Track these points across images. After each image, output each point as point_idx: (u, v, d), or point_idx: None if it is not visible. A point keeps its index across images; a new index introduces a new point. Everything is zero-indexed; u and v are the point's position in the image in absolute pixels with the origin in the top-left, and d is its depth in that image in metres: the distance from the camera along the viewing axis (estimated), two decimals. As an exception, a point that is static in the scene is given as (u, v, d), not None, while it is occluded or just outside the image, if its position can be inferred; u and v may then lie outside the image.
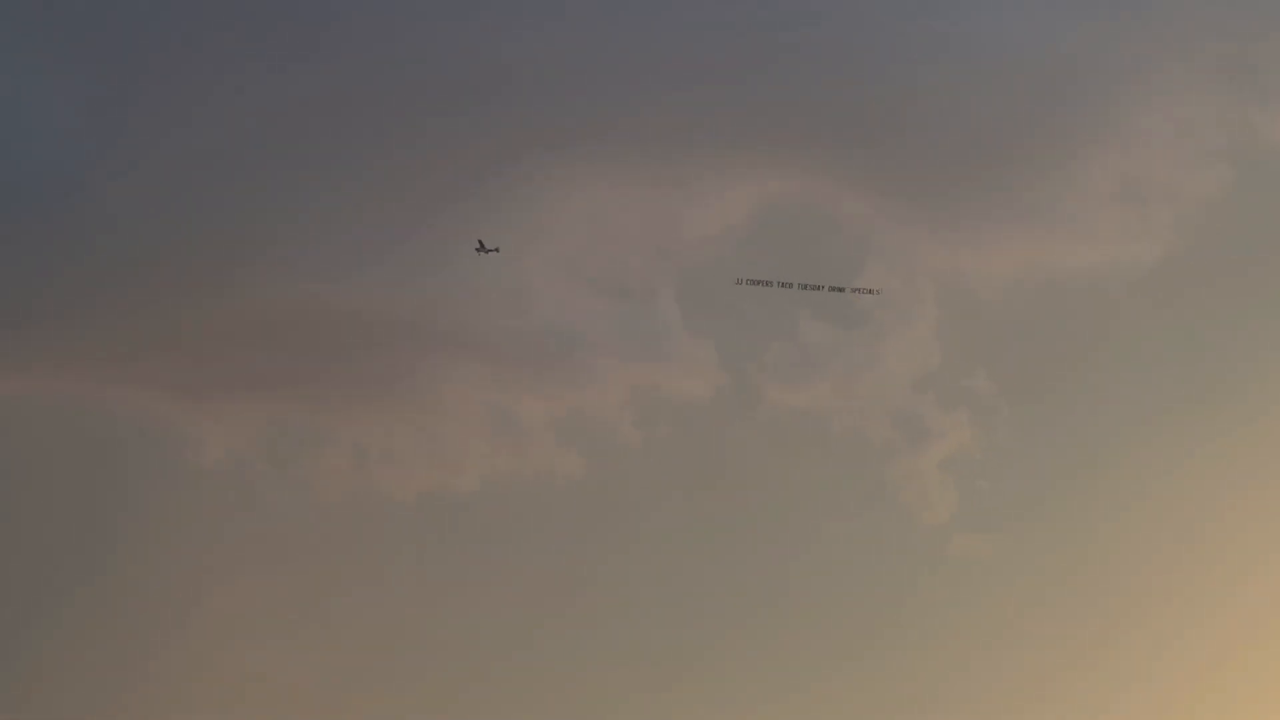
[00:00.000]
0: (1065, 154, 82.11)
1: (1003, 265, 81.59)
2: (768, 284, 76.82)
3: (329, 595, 74.68)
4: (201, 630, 73.14)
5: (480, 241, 73.48)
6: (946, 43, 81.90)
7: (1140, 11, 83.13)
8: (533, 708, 71.35)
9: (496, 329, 77.69)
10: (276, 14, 75.91)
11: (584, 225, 78.79)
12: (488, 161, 76.66)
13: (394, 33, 76.18)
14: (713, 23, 79.65)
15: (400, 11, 75.58)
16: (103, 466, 75.93)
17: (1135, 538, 78.44)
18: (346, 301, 75.84)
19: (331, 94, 76.10)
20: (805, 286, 76.72)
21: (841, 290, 76.97)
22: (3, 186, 74.86)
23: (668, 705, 71.79)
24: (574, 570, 76.16)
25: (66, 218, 74.40)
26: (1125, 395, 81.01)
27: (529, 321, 78.13)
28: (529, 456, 77.58)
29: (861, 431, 79.47)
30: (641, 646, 73.75)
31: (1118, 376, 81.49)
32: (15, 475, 74.77)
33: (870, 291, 77.56)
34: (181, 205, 75.27)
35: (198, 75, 75.57)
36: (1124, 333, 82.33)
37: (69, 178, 74.92)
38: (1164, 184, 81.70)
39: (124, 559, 74.22)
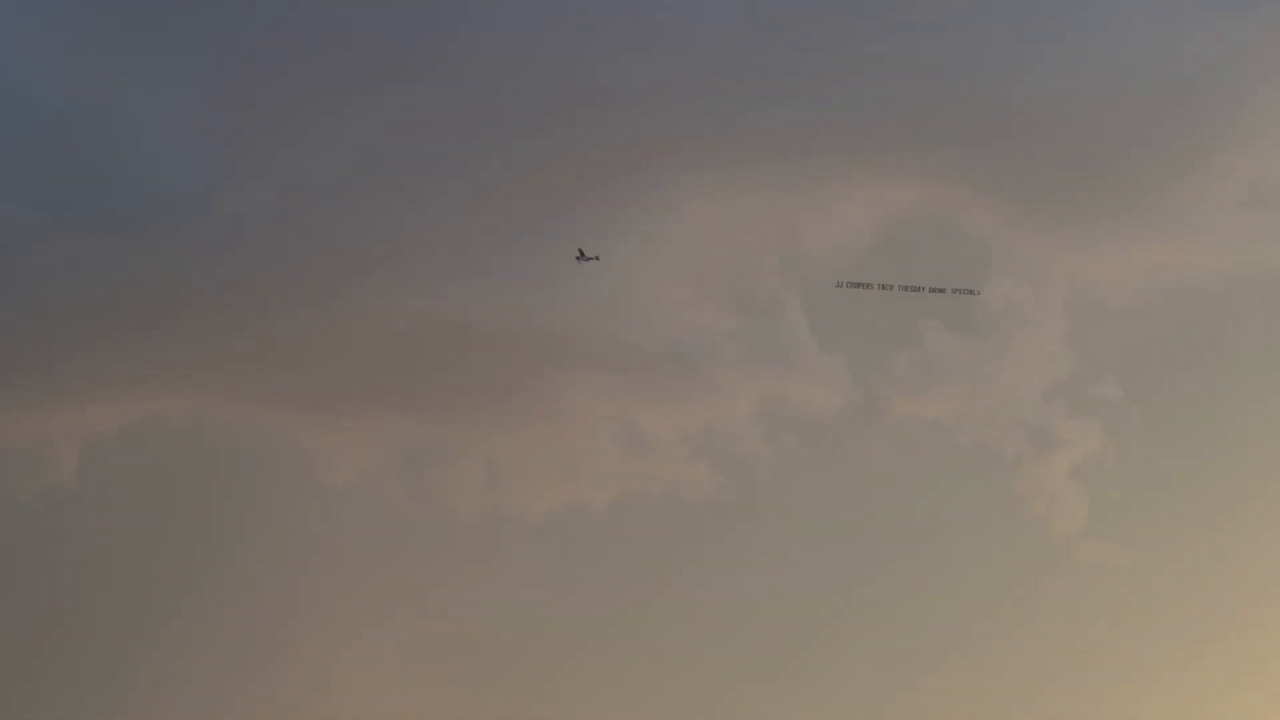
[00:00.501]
0: (1192, 159, 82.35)
1: (1131, 271, 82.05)
2: (868, 286, 77.10)
3: (461, 612, 75.28)
4: (332, 646, 73.96)
5: (580, 250, 73.60)
6: (1072, 49, 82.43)
7: (1265, 15, 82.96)
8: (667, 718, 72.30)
9: (624, 344, 78.46)
10: (392, 37, 76.26)
11: (708, 237, 79.03)
12: (613, 176, 77.76)
13: (515, 50, 76.86)
14: (834, 32, 79.87)
15: (517, 28, 75.91)
16: (235, 486, 76.64)
17: (1269, 543, 78.63)
18: (476, 318, 76.59)
19: (454, 109, 77.06)
20: (904, 288, 76.90)
21: (942, 291, 77.03)
22: (132, 206, 75.56)
23: (798, 714, 72.51)
24: (706, 583, 77.24)
25: (197, 237, 75.56)
26: (1256, 400, 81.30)
27: (656, 335, 78.87)
28: (659, 471, 78.26)
29: (990, 441, 79.97)
30: (773, 656, 75.01)
31: (1248, 381, 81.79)
32: (152, 493, 75.68)
33: (970, 292, 77.74)
34: (308, 222, 76.07)
35: (318, 97, 76.27)
36: (1253, 337, 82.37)
37: (195, 197, 76.11)
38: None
39: (256, 577, 75.28)
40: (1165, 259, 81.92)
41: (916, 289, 77.28)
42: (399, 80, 77.36)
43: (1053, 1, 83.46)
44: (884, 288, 77.32)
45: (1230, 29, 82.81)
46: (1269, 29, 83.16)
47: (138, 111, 76.60)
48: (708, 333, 79.43)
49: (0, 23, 73.82)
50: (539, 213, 76.38)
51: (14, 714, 68.25)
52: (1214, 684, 73.46)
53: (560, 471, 78.23)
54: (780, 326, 79.84)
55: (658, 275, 78.72)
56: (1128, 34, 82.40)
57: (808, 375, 79.30)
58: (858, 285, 77.28)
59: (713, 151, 79.35)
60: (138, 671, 70.69)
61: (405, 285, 76.19)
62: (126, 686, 69.69)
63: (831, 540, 78.56)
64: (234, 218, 75.79)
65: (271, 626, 73.87)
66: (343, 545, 75.89)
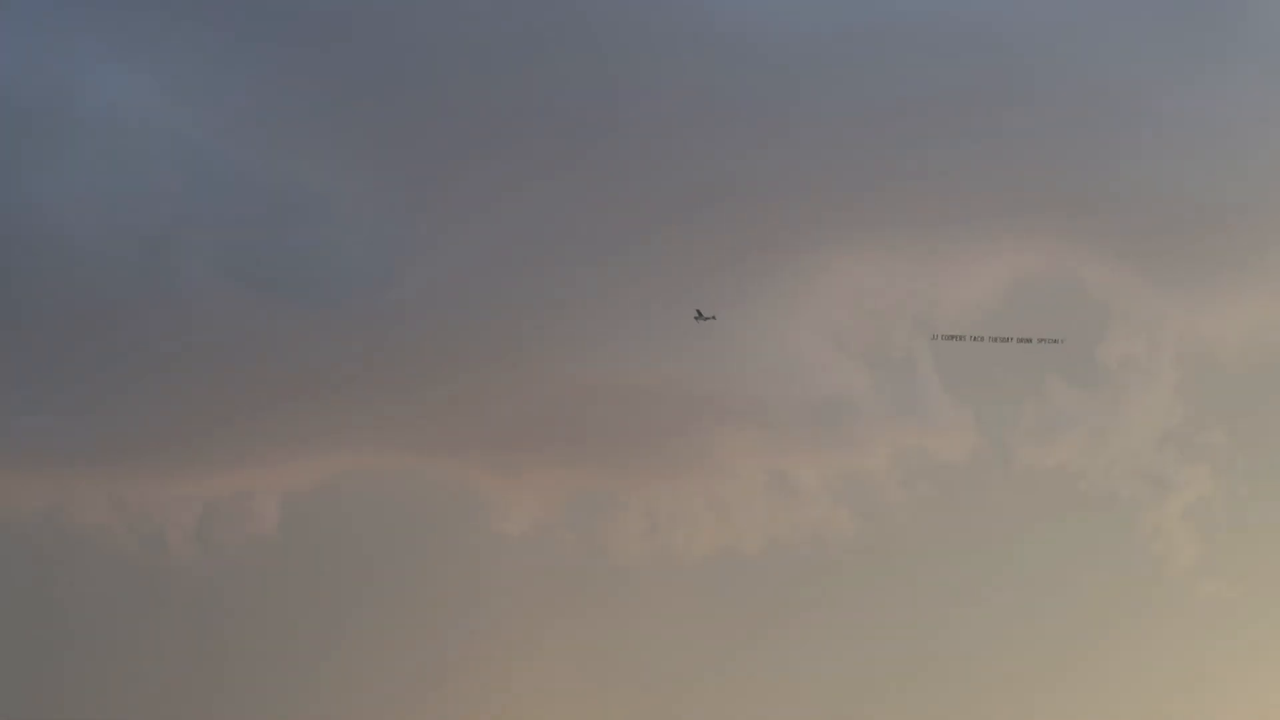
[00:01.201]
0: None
1: (1238, 327, 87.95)
2: (960, 338, 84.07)
3: (626, 648, 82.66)
4: (510, 684, 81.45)
5: (699, 310, 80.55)
6: (1183, 119, 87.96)
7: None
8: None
9: (773, 399, 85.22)
10: (552, 133, 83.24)
11: (847, 301, 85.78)
12: (761, 248, 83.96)
13: (669, 140, 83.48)
14: (964, 113, 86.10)
15: (669, 121, 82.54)
16: (421, 534, 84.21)
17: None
18: (637, 379, 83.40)
19: (611, 194, 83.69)
20: (993, 339, 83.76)
21: (1029, 341, 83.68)
22: (328, 281, 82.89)
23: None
24: (849, 619, 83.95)
25: (384, 309, 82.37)
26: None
27: (803, 391, 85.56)
28: (805, 517, 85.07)
29: (1108, 487, 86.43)
30: (910, 684, 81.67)
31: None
32: (347, 542, 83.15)
33: (1054, 341, 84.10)
34: (481, 295, 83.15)
35: (490, 184, 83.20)
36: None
37: (383, 273, 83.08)
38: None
39: (440, 617, 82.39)
40: (1271, 312, 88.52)
41: (1005, 339, 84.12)
42: (562, 169, 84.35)
43: (1164, 75, 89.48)
44: (975, 339, 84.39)
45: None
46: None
47: (333, 197, 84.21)
48: (847, 389, 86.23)
49: (216, 120, 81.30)
50: (692, 283, 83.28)
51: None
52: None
53: (715, 518, 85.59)
54: (913, 382, 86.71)
55: (802, 337, 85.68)
56: (1236, 100, 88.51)
57: (939, 427, 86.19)
58: (950, 338, 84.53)
59: (850, 225, 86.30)
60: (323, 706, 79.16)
61: (572, 350, 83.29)
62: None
63: (963, 578, 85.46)
64: (417, 291, 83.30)
65: (454, 660, 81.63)
66: (519, 589, 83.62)
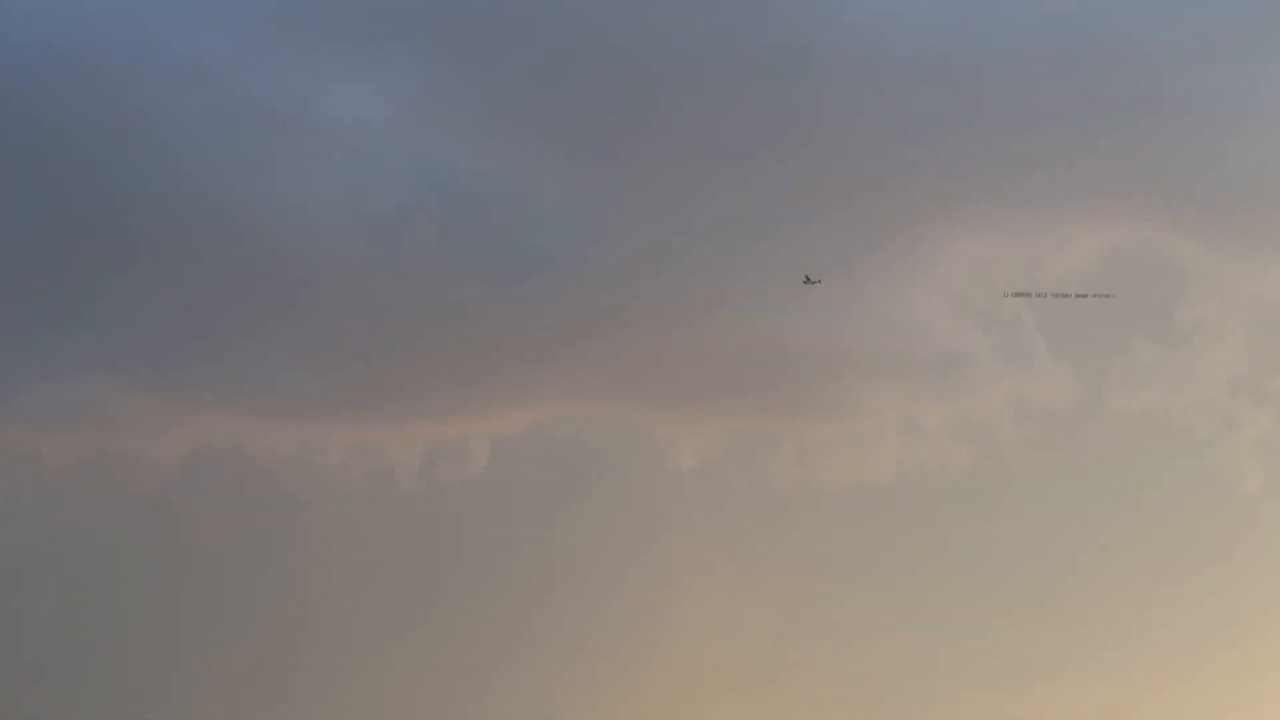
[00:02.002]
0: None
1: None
2: (1028, 295, 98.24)
3: (778, 569, 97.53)
4: (681, 594, 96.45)
5: (806, 275, 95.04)
6: (1246, 115, 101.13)
7: None
8: (941, 672, 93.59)
9: (904, 354, 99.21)
10: (729, 124, 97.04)
11: (969, 273, 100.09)
12: (900, 229, 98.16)
13: (828, 131, 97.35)
14: (1063, 120, 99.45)
15: (825, 115, 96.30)
16: (607, 471, 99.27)
17: None
18: (792, 335, 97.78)
19: (776, 183, 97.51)
20: (1041, 295, 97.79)
21: (1085, 296, 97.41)
22: (529, 258, 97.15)
23: (1040, 645, 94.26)
24: (967, 542, 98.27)
25: (577, 281, 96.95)
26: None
27: (928, 347, 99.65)
28: (930, 453, 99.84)
29: (1187, 426, 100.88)
30: (1022, 592, 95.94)
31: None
32: (547, 479, 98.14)
33: (1107, 296, 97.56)
34: (661, 267, 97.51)
35: (671, 171, 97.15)
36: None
37: (577, 249, 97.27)
38: None
39: (623, 542, 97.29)
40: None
41: (1065, 295, 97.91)
42: (722, 163, 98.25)
43: (1229, 80, 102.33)
44: (1039, 295, 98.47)
45: None
46: None
47: (531, 189, 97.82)
48: (966, 345, 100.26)
49: (434, 125, 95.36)
50: (841, 259, 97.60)
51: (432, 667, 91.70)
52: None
53: (854, 454, 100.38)
54: (1021, 340, 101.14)
55: (929, 303, 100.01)
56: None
57: (1043, 378, 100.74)
58: (1020, 295, 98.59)
59: (970, 210, 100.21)
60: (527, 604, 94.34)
61: (733, 315, 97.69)
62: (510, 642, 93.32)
63: (1063, 505, 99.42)
64: (601, 267, 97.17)
65: (635, 571, 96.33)
66: (689, 515, 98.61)
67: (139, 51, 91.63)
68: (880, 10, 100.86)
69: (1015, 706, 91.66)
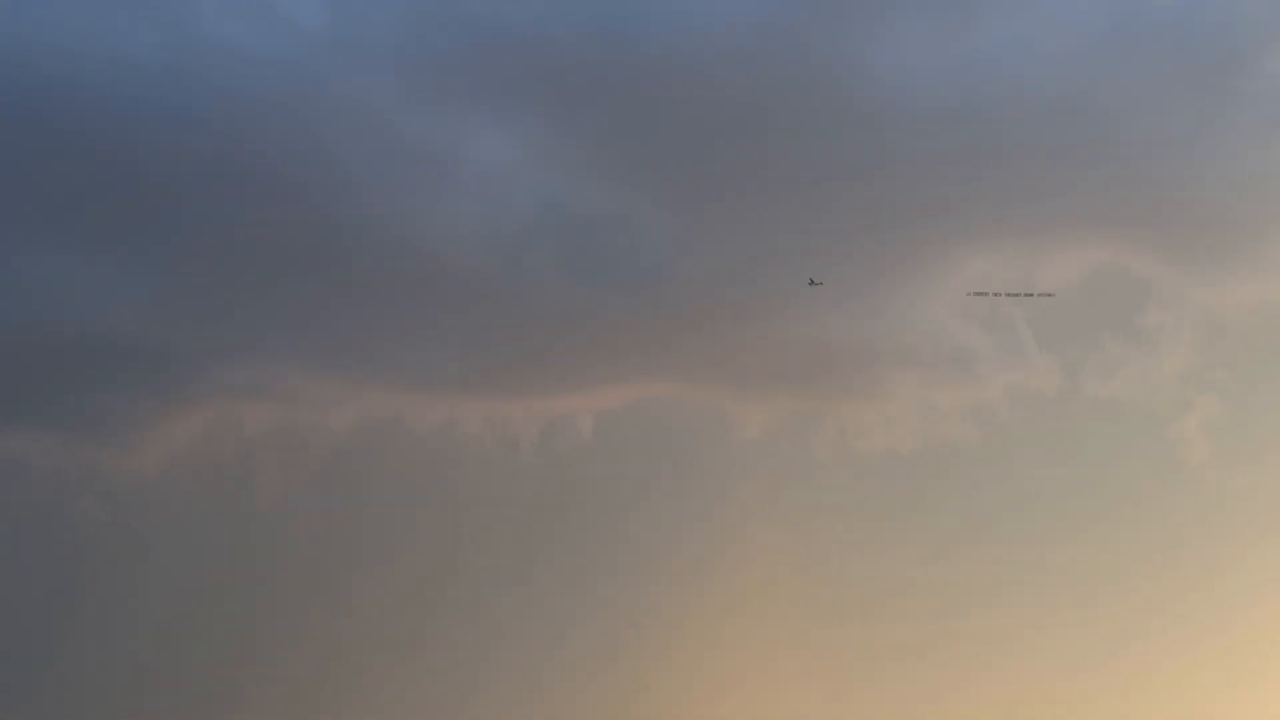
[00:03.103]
0: None
1: (1236, 300, 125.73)
2: (985, 294, 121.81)
3: (823, 520, 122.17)
4: (742, 538, 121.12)
5: (811, 278, 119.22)
6: (1208, 157, 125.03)
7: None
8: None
9: (923, 348, 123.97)
10: (788, 163, 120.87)
11: (974, 283, 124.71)
12: (920, 251, 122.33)
13: (875, 177, 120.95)
14: (1055, 148, 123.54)
15: (878, 164, 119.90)
16: (689, 440, 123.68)
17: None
18: (834, 335, 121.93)
19: (825, 210, 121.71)
20: (1008, 295, 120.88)
21: (1030, 295, 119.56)
22: (623, 270, 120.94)
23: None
24: (972, 504, 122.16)
25: (660, 290, 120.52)
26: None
27: (942, 344, 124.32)
28: (944, 428, 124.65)
29: (1148, 408, 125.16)
30: (1009, 543, 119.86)
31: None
32: (640, 445, 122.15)
33: (1048, 295, 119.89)
34: (731, 278, 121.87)
35: (739, 198, 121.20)
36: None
37: (662, 265, 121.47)
38: None
39: (701, 496, 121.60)
40: (1261, 294, 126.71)
41: (1017, 294, 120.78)
42: (786, 194, 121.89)
43: (1190, 126, 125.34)
44: (995, 295, 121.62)
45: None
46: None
47: (629, 215, 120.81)
48: (972, 342, 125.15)
49: (552, 162, 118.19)
50: (872, 276, 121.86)
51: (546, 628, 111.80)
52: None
53: (883, 428, 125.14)
54: (1016, 340, 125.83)
55: (942, 308, 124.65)
56: (1240, 141, 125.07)
57: (1034, 370, 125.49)
58: (982, 294, 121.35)
59: (976, 232, 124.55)
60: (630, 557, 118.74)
61: (790, 317, 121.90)
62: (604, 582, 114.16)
63: (1051, 473, 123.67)
64: (688, 279, 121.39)
65: (708, 524, 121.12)
66: (752, 474, 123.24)
67: (325, 99, 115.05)
68: (902, 65, 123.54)
69: (1002, 622, 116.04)
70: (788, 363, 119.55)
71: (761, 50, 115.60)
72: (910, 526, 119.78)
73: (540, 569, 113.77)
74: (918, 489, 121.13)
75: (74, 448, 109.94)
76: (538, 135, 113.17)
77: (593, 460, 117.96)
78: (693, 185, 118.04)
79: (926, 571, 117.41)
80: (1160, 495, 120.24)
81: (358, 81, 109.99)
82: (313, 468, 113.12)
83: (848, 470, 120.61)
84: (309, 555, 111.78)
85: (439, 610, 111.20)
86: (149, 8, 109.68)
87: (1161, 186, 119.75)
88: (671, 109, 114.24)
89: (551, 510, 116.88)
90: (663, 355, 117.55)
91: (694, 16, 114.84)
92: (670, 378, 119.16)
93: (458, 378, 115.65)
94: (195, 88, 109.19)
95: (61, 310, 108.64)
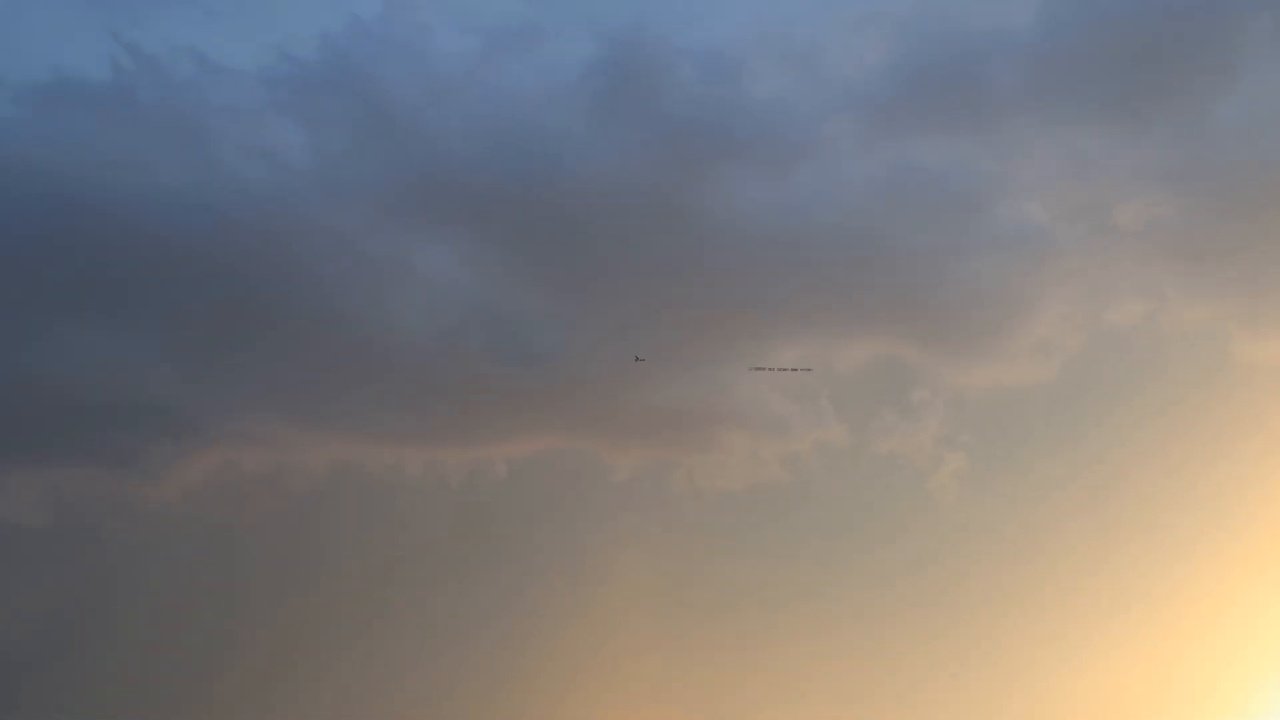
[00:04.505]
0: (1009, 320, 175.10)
1: (980, 378, 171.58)
2: (773, 369, 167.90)
3: (683, 561, 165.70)
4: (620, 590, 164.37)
5: (636, 355, 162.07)
6: (956, 277, 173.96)
7: None
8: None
9: (750, 412, 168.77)
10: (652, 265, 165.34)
11: (787, 363, 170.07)
12: (748, 335, 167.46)
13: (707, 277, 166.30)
14: (844, 266, 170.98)
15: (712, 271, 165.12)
16: (569, 483, 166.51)
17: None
18: (686, 403, 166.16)
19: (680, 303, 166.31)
20: (790, 369, 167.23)
21: (809, 370, 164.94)
22: (535, 354, 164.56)
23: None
24: (788, 533, 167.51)
25: (554, 367, 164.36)
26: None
27: (764, 410, 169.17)
28: (767, 473, 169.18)
29: (913, 461, 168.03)
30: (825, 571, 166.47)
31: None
32: (540, 493, 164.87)
33: (807, 370, 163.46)
34: (606, 354, 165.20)
35: (609, 293, 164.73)
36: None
37: (562, 346, 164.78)
38: None
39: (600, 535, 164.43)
40: (998, 375, 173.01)
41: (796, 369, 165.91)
42: (651, 290, 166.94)
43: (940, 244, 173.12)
44: (782, 370, 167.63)
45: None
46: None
47: (533, 309, 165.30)
48: (784, 412, 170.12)
49: (481, 269, 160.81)
50: (721, 358, 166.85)
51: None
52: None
53: (720, 472, 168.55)
54: (818, 409, 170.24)
55: (763, 382, 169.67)
56: (980, 266, 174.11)
57: (832, 430, 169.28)
58: (761, 369, 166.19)
59: (786, 325, 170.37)
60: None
61: (654, 384, 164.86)
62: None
63: (844, 508, 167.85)
64: (571, 357, 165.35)
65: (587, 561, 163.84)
66: (627, 509, 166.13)
67: (309, 223, 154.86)
68: (734, 201, 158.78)
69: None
70: (649, 422, 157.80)
71: (631, 189, 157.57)
72: (739, 549, 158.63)
73: (465, 577, 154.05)
74: (745, 519, 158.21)
75: (113, 480, 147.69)
76: (470, 250, 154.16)
77: (507, 495, 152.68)
78: (580, 287, 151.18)
79: (753, 585, 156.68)
80: (921, 527, 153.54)
81: (333, 209, 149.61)
82: (297, 497, 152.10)
83: (696, 504, 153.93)
84: (290, 563, 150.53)
85: (386, 604, 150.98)
86: (179, 148, 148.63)
87: (923, 296, 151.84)
88: (566, 230, 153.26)
89: (476, 532, 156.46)
90: (557, 416, 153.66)
91: (583, 165, 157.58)
92: (562, 433, 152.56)
93: (405, 431, 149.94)
94: (211, 211, 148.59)
95: (104, 372, 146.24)
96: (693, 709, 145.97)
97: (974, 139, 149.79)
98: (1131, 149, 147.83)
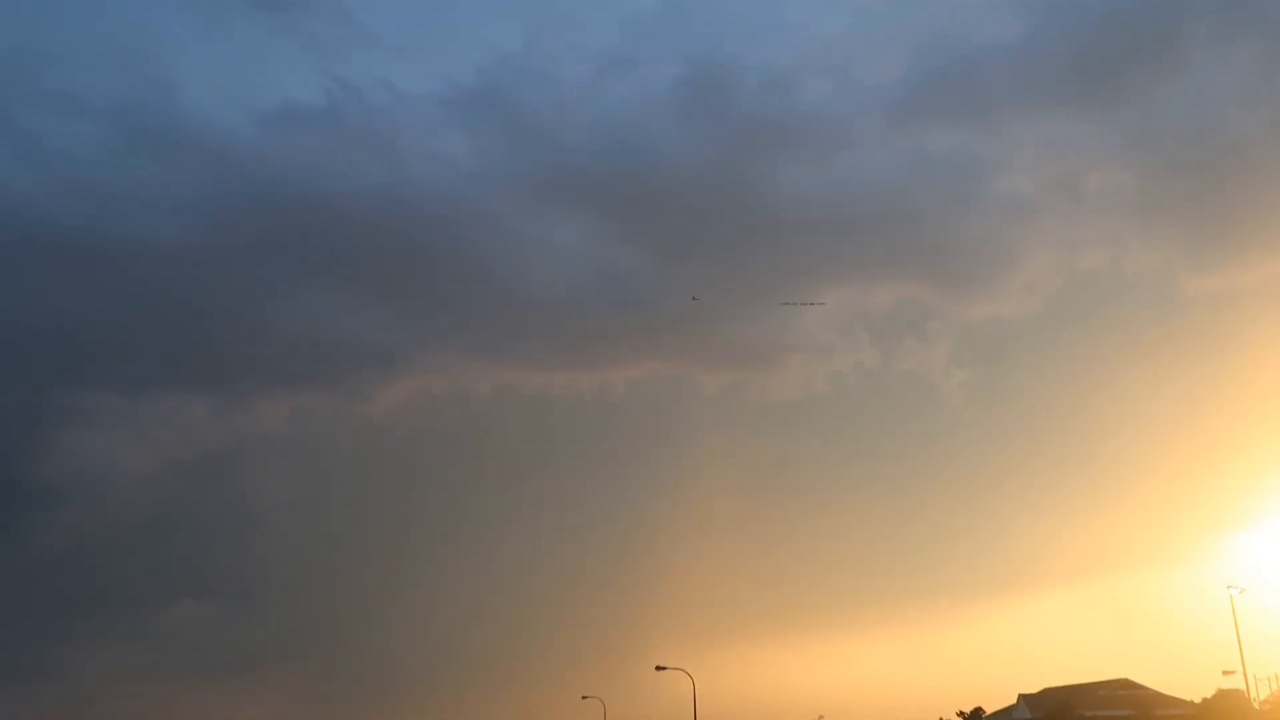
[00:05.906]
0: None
1: (989, 311, 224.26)
2: (792, 304, 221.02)
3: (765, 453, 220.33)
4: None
5: (693, 294, 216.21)
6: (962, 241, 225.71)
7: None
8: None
9: (804, 343, 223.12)
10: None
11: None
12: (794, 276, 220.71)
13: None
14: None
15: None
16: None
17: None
18: (748, 331, 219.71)
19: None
20: (807, 304, 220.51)
21: (823, 304, 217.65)
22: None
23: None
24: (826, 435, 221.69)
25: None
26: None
27: (817, 340, 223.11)
28: (817, 386, 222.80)
29: (929, 378, 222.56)
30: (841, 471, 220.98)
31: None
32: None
33: (821, 303, 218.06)
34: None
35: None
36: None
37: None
38: None
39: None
40: (993, 312, 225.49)
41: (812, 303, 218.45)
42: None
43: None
44: (809, 304, 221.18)
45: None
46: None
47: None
48: (832, 339, 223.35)
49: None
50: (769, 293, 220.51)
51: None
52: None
53: (783, 387, 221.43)
54: (853, 337, 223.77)
55: (814, 320, 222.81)
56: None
57: (864, 352, 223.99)
58: (787, 304, 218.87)
59: (845, 267, 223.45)
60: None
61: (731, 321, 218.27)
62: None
63: (876, 416, 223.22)
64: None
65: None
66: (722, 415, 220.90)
67: (468, 209, 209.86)
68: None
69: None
70: (729, 350, 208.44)
71: (711, 174, 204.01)
72: (798, 445, 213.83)
73: (595, 468, 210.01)
74: (803, 422, 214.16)
75: (337, 402, 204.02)
76: (592, 225, 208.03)
77: (625, 407, 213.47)
78: (674, 249, 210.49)
79: (808, 469, 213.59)
80: (935, 427, 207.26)
81: (491, 198, 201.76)
82: (470, 412, 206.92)
83: (765, 411, 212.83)
84: (465, 461, 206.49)
85: (539, 491, 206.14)
86: (377, 156, 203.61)
87: (937, 251, 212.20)
88: (663, 207, 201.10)
89: (603, 435, 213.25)
90: (660, 347, 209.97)
91: (675, 156, 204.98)
92: (665, 359, 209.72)
93: (549, 361, 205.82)
94: (401, 203, 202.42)
95: (329, 321, 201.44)
96: (762, 553, 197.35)
97: (974, 128, 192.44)
98: (1097, 132, 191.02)
